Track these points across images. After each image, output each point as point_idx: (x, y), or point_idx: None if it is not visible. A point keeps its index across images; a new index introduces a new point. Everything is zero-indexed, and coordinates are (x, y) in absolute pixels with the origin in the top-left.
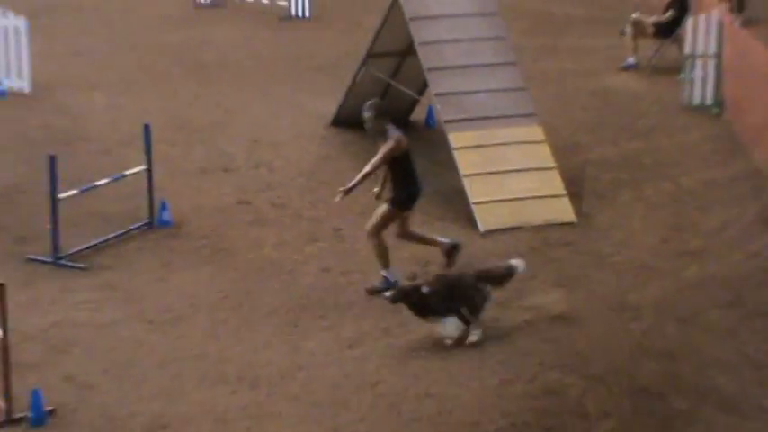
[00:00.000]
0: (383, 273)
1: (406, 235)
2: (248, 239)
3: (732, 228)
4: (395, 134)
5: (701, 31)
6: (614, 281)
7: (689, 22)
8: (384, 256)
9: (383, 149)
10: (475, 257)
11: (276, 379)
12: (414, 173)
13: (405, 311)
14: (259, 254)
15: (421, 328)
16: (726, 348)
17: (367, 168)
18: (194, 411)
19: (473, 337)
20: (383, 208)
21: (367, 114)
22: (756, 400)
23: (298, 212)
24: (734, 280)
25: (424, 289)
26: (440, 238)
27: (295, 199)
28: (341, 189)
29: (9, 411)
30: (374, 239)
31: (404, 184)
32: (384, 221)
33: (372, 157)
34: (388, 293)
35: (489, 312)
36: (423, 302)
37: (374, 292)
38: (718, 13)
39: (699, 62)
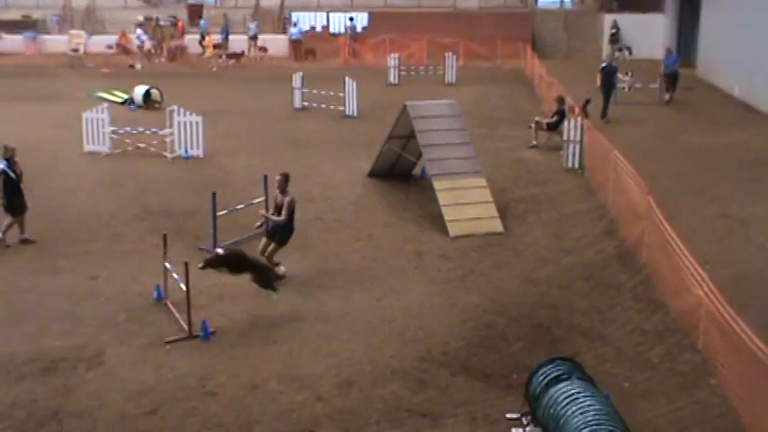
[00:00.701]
0: (280, 269)
1: (270, 258)
2: (321, 240)
3: (588, 236)
4: (291, 195)
5: (572, 128)
6: (524, 265)
7: (566, 123)
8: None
9: (288, 205)
10: (445, 251)
11: (336, 318)
12: (293, 222)
13: (412, 281)
14: (326, 248)
15: (413, 295)
16: (583, 303)
17: (282, 218)
18: (290, 334)
19: (271, 296)
20: (272, 244)
21: (278, 178)
22: (599, 332)
23: (348, 225)
24: (589, 265)
25: (219, 250)
26: (281, 268)
27: (347, 217)
28: (262, 212)
29: (190, 332)
30: (271, 263)
31: (288, 229)
32: (275, 253)
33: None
34: (200, 264)
35: (458, 282)
36: (221, 261)
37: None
38: (581, 118)
39: (571, 144)
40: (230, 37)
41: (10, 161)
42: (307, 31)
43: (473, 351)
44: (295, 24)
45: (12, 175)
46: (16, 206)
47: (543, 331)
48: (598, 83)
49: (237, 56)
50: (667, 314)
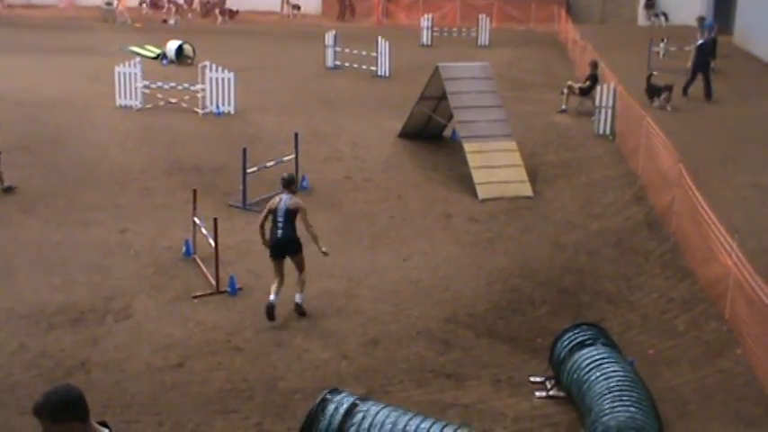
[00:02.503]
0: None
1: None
2: (349, 199)
3: (618, 202)
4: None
5: (604, 93)
6: (552, 230)
7: (598, 88)
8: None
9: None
10: (474, 214)
11: (362, 276)
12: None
13: (439, 242)
14: (355, 207)
15: (441, 257)
16: (611, 269)
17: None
18: (316, 292)
19: None
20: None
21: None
22: (625, 297)
23: (377, 184)
24: (617, 231)
25: None
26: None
27: (376, 176)
28: (323, 250)
29: (217, 287)
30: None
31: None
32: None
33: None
34: None
35: (485, 244)
36: None
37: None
38: (613, 84)
39: (602, 110)
40: None
41: None
42: None
43: (499, 314)
44: None
45: None
46: None
47: (569, 296)
48: (689, 62)
49: (232, 13)
50: (695, 282)
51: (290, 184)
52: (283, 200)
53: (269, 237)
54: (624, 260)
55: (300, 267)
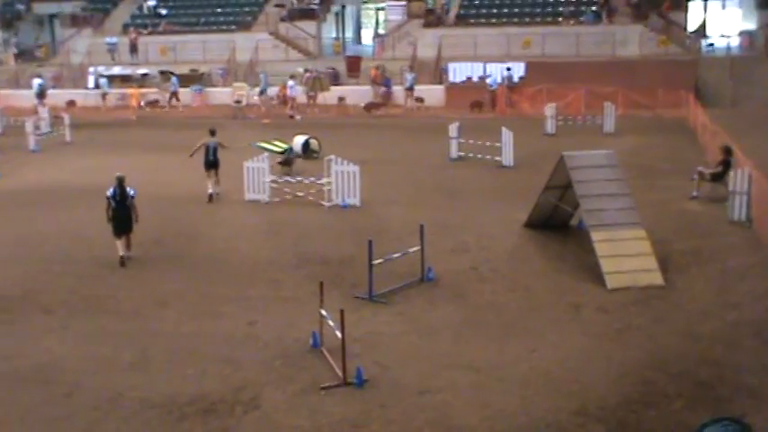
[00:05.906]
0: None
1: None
2: (476, 290)
3: (756, 291)
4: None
5: (738, 178)
6: (686, 320)
7: (732, 173)
8: None
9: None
10: (603, 304)
11: (489, 368)
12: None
13: (568, 333)
14: (482, 298)
15: (570, 348)
16: (752, 361)
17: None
18: (443, 384)
19: None
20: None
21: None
22: None
23: (504, 275)
24: (757, 321)
25: None
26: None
27: (502, 267)
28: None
29: (344, 379)
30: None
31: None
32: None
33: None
34: None
35: (615, 335)
36: None
37: None
38: (748, 168)
39: (737, 196)
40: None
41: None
42: (501, 83)
43: (631, 408)
44: (489, 75)
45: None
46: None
47: (706, 389)
48: None
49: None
50: None
51: (214, 134)
52: (211, 142)
53: (203, 159)
54: (766, 352)
55: (218, 176)
